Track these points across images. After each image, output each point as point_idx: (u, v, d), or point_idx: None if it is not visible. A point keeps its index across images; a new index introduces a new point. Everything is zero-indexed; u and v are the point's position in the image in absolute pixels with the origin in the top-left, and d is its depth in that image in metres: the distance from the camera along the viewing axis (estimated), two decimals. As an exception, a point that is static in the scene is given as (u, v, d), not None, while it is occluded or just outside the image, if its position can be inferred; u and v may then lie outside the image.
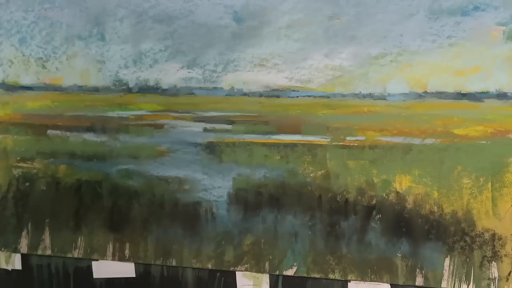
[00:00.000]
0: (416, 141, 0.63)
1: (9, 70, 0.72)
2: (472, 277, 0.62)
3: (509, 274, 0.62)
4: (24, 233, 0.73)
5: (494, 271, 0.62)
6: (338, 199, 0.65)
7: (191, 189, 0.68)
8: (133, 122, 0.69)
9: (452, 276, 0.63)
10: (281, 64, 0.65)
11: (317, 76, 0.64)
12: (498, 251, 0.62)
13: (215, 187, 0.68)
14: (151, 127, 0.69)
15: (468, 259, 0.63)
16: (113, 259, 0.71)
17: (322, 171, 0.65)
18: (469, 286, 0.63)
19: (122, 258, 0.71)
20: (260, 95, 0.65)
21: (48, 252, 0.73)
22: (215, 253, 0.68)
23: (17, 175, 0.73)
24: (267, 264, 0.67)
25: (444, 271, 0.63)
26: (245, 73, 0.66)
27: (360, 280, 0.65)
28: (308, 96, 0.64)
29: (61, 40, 0.70)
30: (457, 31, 0.60)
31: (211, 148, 0.67)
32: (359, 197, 0.64)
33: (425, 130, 0.62)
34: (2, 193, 0.73)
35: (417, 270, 0.64)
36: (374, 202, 0.64)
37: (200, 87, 0.67)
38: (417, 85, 0.62)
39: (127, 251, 0.71)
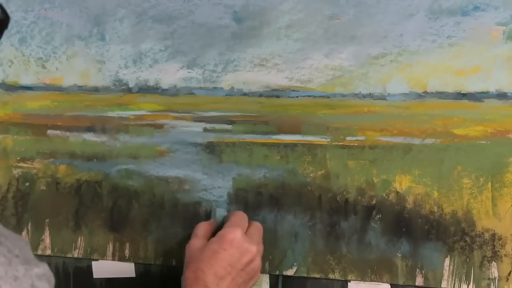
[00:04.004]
0: (416, 141, 0.63)
1: (9, 70, 0.72)
2: (472, 277, 0.63)
3: (509, 274, 0.62)
4: (24, 233, 0.73)
5: (494, 271, 0.62)
6: (338, 199, 0.65)
7: (191, 189, 0.68)
8: (133, 122, 0.69)
9: (452, 276, 0.63)
10: (281, 64, 0.65)
11: (317, 76, 0.64)
12: (498, 251, 0.62)
13: (215, 187, 0.68)
14: (151, 127, 0.69)
15: (468, 259, 0.63)
16: (113, 259, 0.71)
17: (322, 171, 0.65)
18: (469, 286, 0.63)
19: (122, 258, 0.71)
20: (260, 95, 0.66)
21: (48, 252, 0.73)
22: (215, 253, 0.68)
23: (17, 175, 0.73)
24: (267, 264, 0.67)
25: (444, 271, 0.63)
26: (245, 73, 0.66)
27: (360, 280, 0.65)
28: (308, 96, 0.64)
29: (61, 40, 0.70)
30: (457, 31, 0.61)
31: (211, 148, 0.67)
32: (359, 197, 0.64)
33: (425, 130, 0.62)
34: (2, 193, 0.73)
35: (417, 270, 0.64)
36: (374, 202, 0.64)
37: (200, 87, 0.67)
38: (417, 85, 0.62)
39: (127, 251, 0.71)
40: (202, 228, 0.62)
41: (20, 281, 0.37)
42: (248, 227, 0.62)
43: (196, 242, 0.60)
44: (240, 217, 0.62)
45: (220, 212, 0.66)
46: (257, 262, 0.59)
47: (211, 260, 0.57)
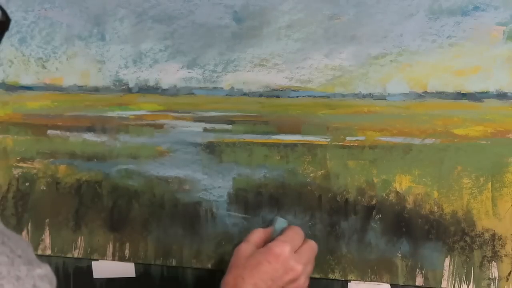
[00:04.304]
0: (416, 141, 0.63)
1: (9, 70, 0.72)
2: (472, 277, 0.63)
3: (509, 274, 0.62)
4: (24, 233, 0.73)
5: (494, 271, 0.62)
6: (338, 199, 0.65)
7: (191, 189, 0.68)
8: (133, 122, 0.69)
9: (452, 276, 0.63)
10: (281, 64, 0.65)
11: (317, 76, 0.64)
12: (498, 251, 0.62)
13: (215, 187, 0.68)
14: (151, 127, 0.69)
15: (468, 259, 0.63)
16: (113, 259, 0.71)
17: (322, 171, 0.65)
18: (469, 286, 0.63)
19: (122, 258, 0.71)
20: (260, 95, 0.66)
21: (48, 252, 0.73)
22: (215, 253, 0.68)
23: (17, 175, 0.73)
24: (267, 264, 0.66)
25: (444, 271, 0.63)
26: (245, 73, 0.66)
27: (360, 280, 0.65)
28: (308, 96, 0.64)
29: (61, 40, 0.70)
30: (457, 31, 0.60)
31: (211, 148, 0.67)
32: (359, 197, 0.64)
33: (425, 130, 0.62)
34: (2, 193, 0.73)
35: (417, 270, 0.64)
36: (374, 202, 0.64)
37: (200, 87, 0.67)
38: (417, 85, 0.62)
39: (127, 251, 0.71)
40: (256, 235, 0.60)
41: (23, 281, 0.37)
42: (302, 244, 0.59)
43: (245, 247, 0.58)
44: (296, 232, 0.59)
45: (281, 223, 0.62)
46: (300, 282, 0.57)
47: (253, 270, 0.55)
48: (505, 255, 0.62)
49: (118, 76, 0.69)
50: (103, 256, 0.72)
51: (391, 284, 0.64)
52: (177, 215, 0.69)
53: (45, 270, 0.39)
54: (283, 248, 0.56)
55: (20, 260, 0.38)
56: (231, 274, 0.56)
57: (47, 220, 0.73)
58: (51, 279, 0.39)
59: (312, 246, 0.60)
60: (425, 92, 0.62)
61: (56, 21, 0.70)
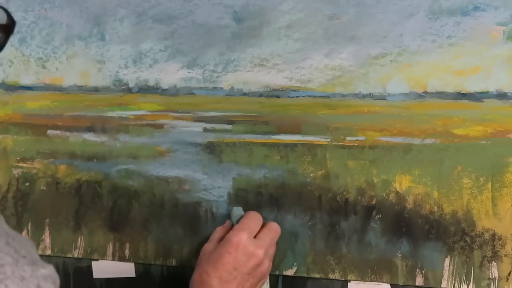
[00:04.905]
0: (416, 141, 0.63)
1: (9, 70, 0.72)
2: (472, 277, 0.63)
3: (509, 274, 0.62)
4: (24, 233, 0.73)
5: (494, 271, 0.62)
6: (338, 199, 0.65)
7: (191, 189, 0.68)
8: (133, 122, 0.69)
9: (452, 276, 0.63)
10: (281, 64, 0.65)
11: (317, 76, 0.64)
12: (498, 251, 0.62)
13: (215, 187, 0.68)
14: (151, 127, 0.69)
15: (468, 259, 0.63)
16: (113, 259, 0.71)
17: (322, 171, 0.65)
18: (469, 286, 0.63)
19: (122, 258, 0.71)
20: (260, 95, 0.66)
21: (48, 252, 0.73)
22: (215, 253, 0.68)
23: (17, 175, 0.73)
24: (267, 264, 0.66)
25: (444, 271, 0.63)
26: (245, 73, 0.66)
27: (360, 280, 0.65)
28: (308, 96, 0.64)
29: (61, 40, 0.70)
30: (457, 31, 0.61)
31: (211, 148, 0.67)
32: (359, 197, 0.64)
33: (425, 130, 0.62)
34: (2, 193, 0.73)
35: (417, 270, 0.64)
36: (374, 202, 0.64)
37: (200, 87, 0.67)
38: (417, 85, 0.62)
39: (127, 251, 0.71)
40: (217, 233, 0.62)
41: (27, 281, 0.37)
42: (262, 228, 0.60)
43: (208, 246, 0.60)
44: (252, 218, 0.61)
45: (236, 212, 0.63)
46: (265, 266, 0.59)
47: (217, 264, 0.57)
48: (505, 255, 0.62)
49: (118, 76, 0.69)
50: (103, 256, 0.72)
51: (391, 284, 0.65)
52: (177, 215, 0.69)
53: (49, 270, 0.39)
54: (240, 236, 0.57)
55: (24, 261, 0.38)
56: (197, 272, 0.58)
57: (47, 220, 0.73)
58: (54, 279, 0.40)
59: (271, 228, 0.61)
60: (425, 92, 0.62)
61: (56, 21, 0.70)
